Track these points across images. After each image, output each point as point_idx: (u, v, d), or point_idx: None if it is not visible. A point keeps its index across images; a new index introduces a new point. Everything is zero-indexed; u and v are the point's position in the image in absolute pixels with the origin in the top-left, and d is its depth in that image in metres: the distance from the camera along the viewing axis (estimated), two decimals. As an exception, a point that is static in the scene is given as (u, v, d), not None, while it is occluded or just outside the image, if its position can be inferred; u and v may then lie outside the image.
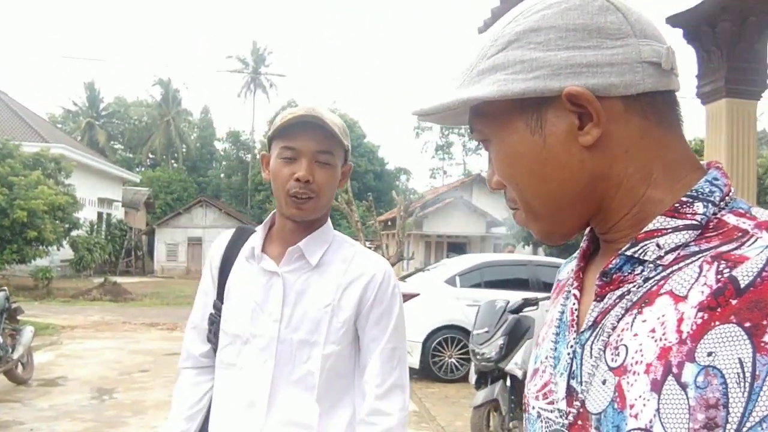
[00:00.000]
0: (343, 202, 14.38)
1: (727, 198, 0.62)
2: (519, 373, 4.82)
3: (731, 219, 0.59)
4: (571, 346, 0.67)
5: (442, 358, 7.85)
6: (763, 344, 0.49)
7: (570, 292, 0.73)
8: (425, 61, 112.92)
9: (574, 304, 0.70)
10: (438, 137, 61.84)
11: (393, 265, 17.91)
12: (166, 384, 7.28)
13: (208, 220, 33.02)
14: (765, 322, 0.49)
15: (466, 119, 0.73)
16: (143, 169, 50.35)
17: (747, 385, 0.49)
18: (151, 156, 53.57)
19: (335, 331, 1.45)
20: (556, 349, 0.70)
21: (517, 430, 4.81)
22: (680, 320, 0.55)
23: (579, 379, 0.64)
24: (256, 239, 1.54)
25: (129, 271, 30.62)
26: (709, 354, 0.51)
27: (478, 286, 8.13)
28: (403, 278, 9.36)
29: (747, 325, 0.50)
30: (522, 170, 0.67)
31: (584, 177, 0.65)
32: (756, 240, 0.55)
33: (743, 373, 0.50)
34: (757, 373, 0.49)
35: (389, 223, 31.92)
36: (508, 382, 4.89)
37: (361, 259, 1.53)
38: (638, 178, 0.64)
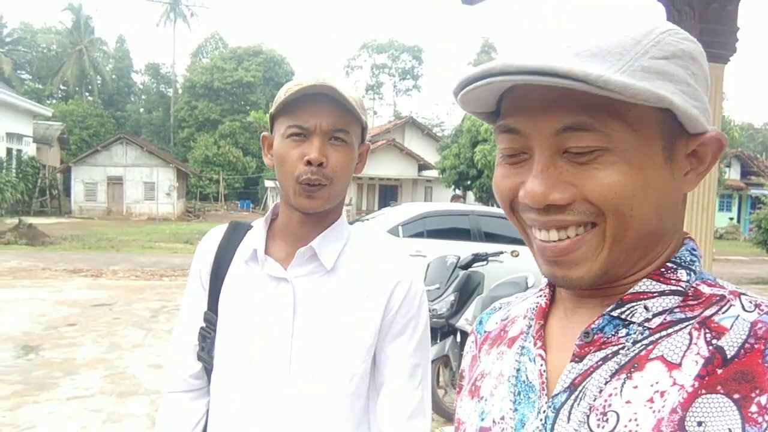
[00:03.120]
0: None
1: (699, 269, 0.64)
2: (469, 329, 4.84)
3: (706, 289, 0.62)
4: (543, 412, 0.63)
5: (384, 308, 7.81)
6: (750, 415, 0.51)
7: (524, 348, 0.71)
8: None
9: (541, 365, 0.66)
10: (368, 76, 60.95)
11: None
12: (97, 339, 6.96)
13: (128, 158, 31.47)
14: (753, 395, 0.51)
15: (492, 104, 0.66)
16: (54, 101, 47.07)
17: None
18: (62, 88, 50.20)
19: (361, 345, 1.24)
20: (516, 410, 0.66)
21: (468, 385, 4.87)
22: (677, 390, 0.55)
23: None
24: (256, 238, 1.30)
25: (44, 211, 28.99)
26: (700, 424, 0.52)
27: (420, 235, 8.09)
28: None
29: (736, 396, 0.52)
30: (645, 197, 0.59)
31: (672, 224, 0.63)
32: (730, 307, 0.58)
33: None
34: None
35: (320, 164, 31.55)
36: (458, 338, 4.91)
37: (385, 260, 1.32)
38: (678, 235, 0.66)
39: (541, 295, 0.73)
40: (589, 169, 0.58)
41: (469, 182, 21.25)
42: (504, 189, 0.65)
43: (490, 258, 5.55)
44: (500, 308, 0.85)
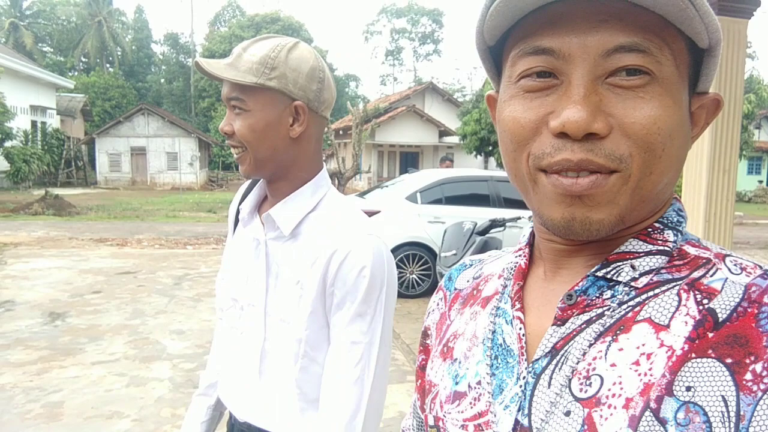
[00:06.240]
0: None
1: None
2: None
3: (691, 250, 0.60)
4: (523, 378, 0.60)
5: (404, 274, 7.84)
6: (745, 383, 0.48)
7: (500, 309, 0.67)
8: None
9: (520, 329, 0.63)
10: (388, 42, 60.19)
11: (349, 178, 17.52)
12: (120, 306, 7.10)
13: (151, 129, 31.64)
14: (747, 361, 0.48)
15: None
16: (76, 73, 47.35)
17: (732, 425, 0.47)
18: (83, 60, 50.37)
19: (302, 312, 1.24)
20: (494, 375, 0.63)
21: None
22: (665, 352, 0.52)
23: (527, 412, 0.58)
24: (249, 200, 1.39)
25: (70, 182, 29.45)
26: (689, 389, 0.49)
27: (439, 202, 8.05)
28: (362, 194, 9.17)
29: (728, 361, 0.49)
30: (677, 138, 0.56)
31: (675, 180, 0.61)
32: (717, 270, 0.56)
33: (728, 412, 0.48)
34: (742, 413, 0.47)
35: (340, 132, 31.33)
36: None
37: (336, 230, 1.25)
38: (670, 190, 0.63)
39: (520, 255, 0.69)
40: (634, 98, 0.54)
41: (490, 148, 21.04)
42: (527, 123, 0.56)
43: (507, 224, 5.52)
44: (471, 265, 0.81)
